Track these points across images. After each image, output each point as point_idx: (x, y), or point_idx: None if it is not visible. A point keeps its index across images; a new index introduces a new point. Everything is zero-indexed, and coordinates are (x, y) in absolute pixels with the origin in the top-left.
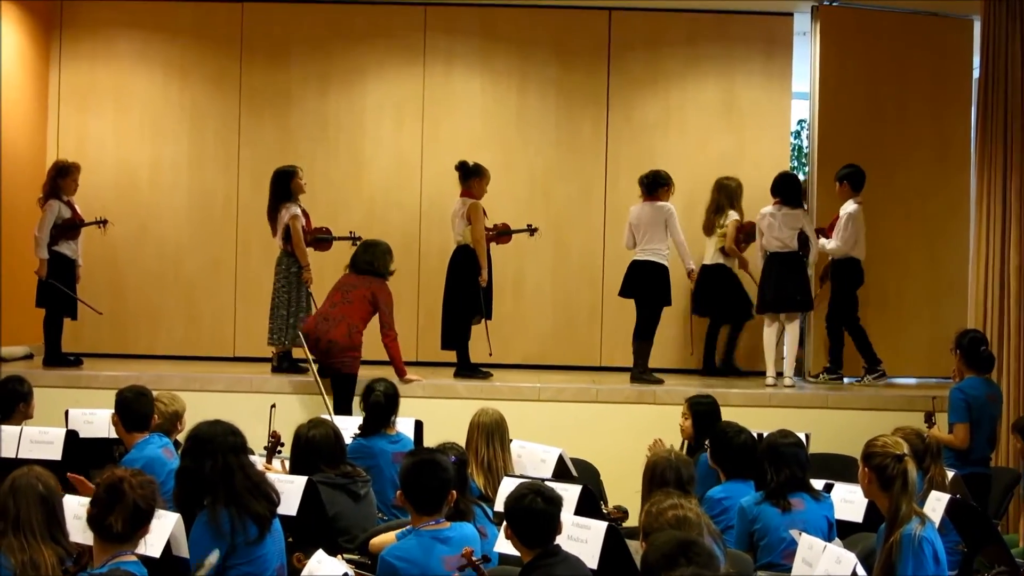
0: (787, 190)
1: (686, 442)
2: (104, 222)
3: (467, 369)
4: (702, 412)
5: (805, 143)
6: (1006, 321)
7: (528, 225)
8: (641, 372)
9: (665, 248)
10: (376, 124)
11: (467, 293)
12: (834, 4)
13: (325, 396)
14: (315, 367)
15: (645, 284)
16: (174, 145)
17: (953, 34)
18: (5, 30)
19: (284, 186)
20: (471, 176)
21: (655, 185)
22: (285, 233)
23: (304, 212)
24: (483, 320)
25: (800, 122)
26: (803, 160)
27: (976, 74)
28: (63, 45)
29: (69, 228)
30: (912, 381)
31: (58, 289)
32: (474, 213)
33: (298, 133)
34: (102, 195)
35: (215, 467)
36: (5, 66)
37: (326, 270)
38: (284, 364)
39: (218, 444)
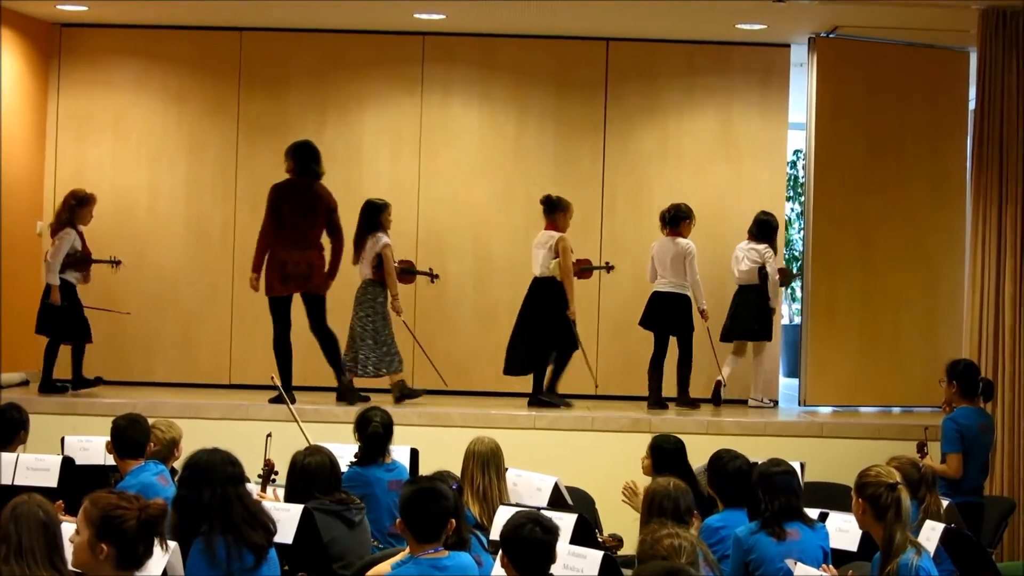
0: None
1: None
2: (117, 262)
3: (544, 397)
4: (663, 452)
5: (801, 173)
6: (1001, 351)
7: (606, 263)
8: (685, 399)
9: (687, 282)
10: (374, 153)
11: (554, 325)
12: (831, 36)
13: (301, 425)
14: (288, 397)
15: (667, 315)
16: (172, 173)
17: (949, 66)
18: (4, 57)
19: (374, 218)
20: (556, 210)
21: (676, 220)
22: (377, 262)
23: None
24: (580, 350)
25: (796, 152)
26: (799, 190)
27: (972, 106)
28: (61, 72)
29: (81, 261)
30: (906, 410)
31: (65, 315)
32: (564, 247)
33: None
34: (99, 222)
35: (213, 497)
36: (4, 93)
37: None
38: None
39: (216, 474)
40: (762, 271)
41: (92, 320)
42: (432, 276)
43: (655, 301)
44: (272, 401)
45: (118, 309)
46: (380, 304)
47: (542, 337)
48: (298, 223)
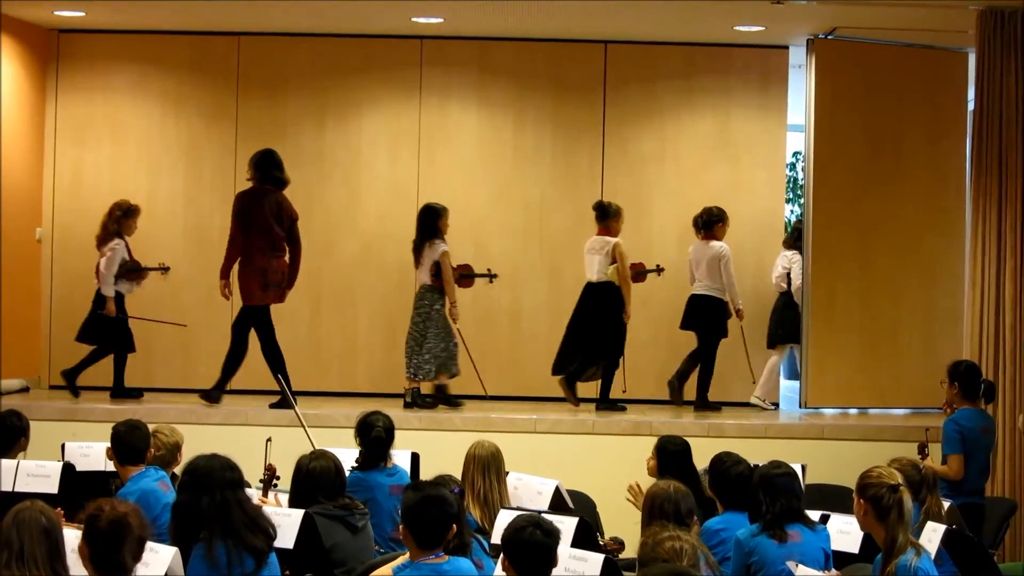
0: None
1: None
2: (166, 269)
3: (607, 403)
4: (669, 453)
5: (800, 175)
6: (1001, 351)
7: (657, 266)
8: (704, 402)
9: (722, 285)
10: (372, 157)
11: (609, 329)
12: (829, 37)
13: (307, 429)
14: (295, 402)
15: (702, 317)
16: (170, 178)
17: (948, 67)
18: (3, 63)
19: (433, 223)
20: (609, 216)
21: (710, 223)
22: (436, 269)
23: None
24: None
25: (795, 154)
26: (798, 192)
27: (971, 106)
28: (60, 78)
29: (132, 270)
30: (907, 412)
31: (113, 326)
32: (620, 252)
33: (294, 166)
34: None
35: (212, 502)
36: (3, 99)
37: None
38: (431, 398)
39: (216, 479)
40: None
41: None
42: (491, 277)
43: (692, 304)
44: (273, 406)
45: (174, 321)
46: (437, 310)
47: (596, 340)
48: (270, 230)
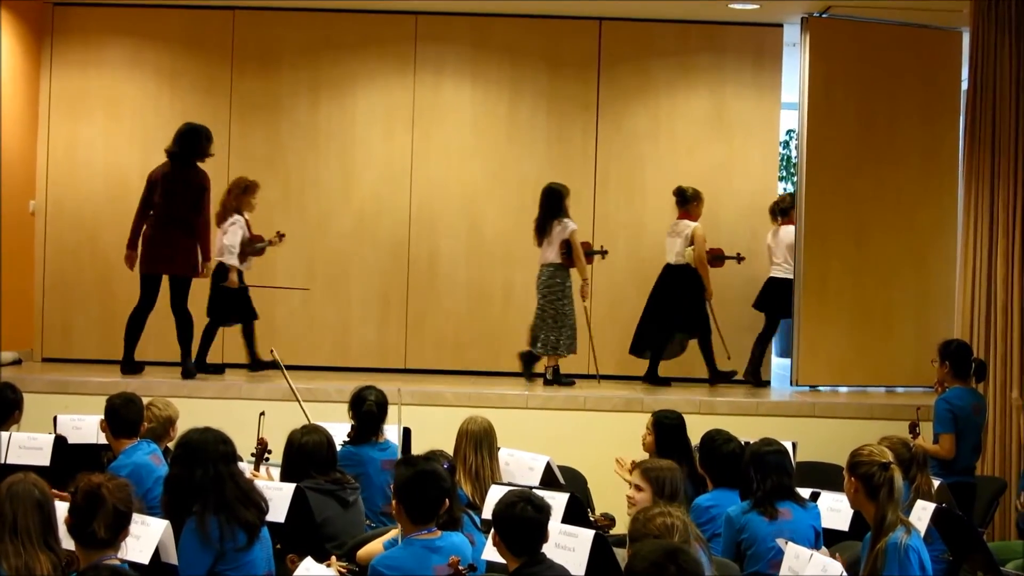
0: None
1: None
2: (282, 236)
3: (656, 379)
4: (666, 427)
5: (794, 153)
6: (992, 331)
7: (737, 253)
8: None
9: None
10: (366, 133)
11: (688, 310)
12: (823, 16)
13: (302, 403)
14: (287, 375)
15: (781, 298)
16: (164, 152)
17: (942, 46)
18: None
19: (558, 202)
20: (690, 201)
21: (786, 211)
22: (566, 248)
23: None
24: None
25: (789, 132)
26: (791, 170)
27: (964, 85)
28: (54, 51)
29: (249, 246)
30: (898, 390)
31: (236, 298)
32: (699, 236)
33: (288, 141)
34: (91, 201)
35: (205, 475)
36: None
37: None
38: (559, 377)
39: (209, 453)
40: None
41: (84, 299)
42: (603, 253)
43: (770, 286)
44: (547, 383)
45: (297, 286)
46: (568, 288)
47: (672, 321)
48: (169, 204)
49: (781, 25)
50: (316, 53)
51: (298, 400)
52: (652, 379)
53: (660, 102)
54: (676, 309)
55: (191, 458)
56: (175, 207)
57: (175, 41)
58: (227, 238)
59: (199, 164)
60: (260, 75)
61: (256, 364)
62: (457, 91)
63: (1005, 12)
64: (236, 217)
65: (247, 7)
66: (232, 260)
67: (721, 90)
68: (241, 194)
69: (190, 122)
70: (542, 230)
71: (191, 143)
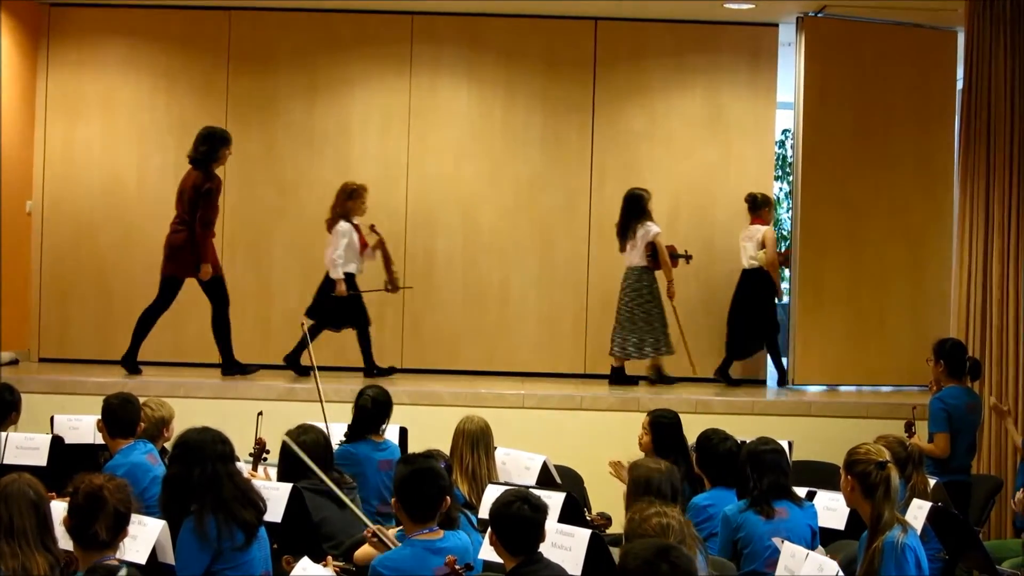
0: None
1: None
2: (372, 228)
3: (729, 379)
4: (663, 427)
5: (789, 153)
6: (988, 330)
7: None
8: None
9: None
10: (362, 133)
11: (767, 312)
12: (819, 15)
13: (323, 400)
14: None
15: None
16: (160, 152)
17: (937, 45)
18: None
19: (641, 206)
20: (761, 206)
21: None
22: (651, 250)
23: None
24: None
25: (784, 132)
26: (787, 170)
27: (960, 85)
28: (50, 51)
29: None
30: (894, 389)
31: (347, 305)
32: (770, 239)
33: (284, 141)
34: (89, 202)
35: (204, 475)
36: None
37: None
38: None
39: (207, 452)
40: None
41: (81, 299)
42: (687, 257)
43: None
44: (612, 383)
45: (403, 286)
46: (656, 290)
47: (759, 324)
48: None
49: (776, 25)
50: (312, 54)
51: (320, 400)
52: (726, 377)
53: (656, 102)
54: (758, 311)
55: (189, 457)
56: (190, 211)
57: (171, 41)
58: (330, 249)
59: (215, 167)
60: (256, 75)
61: (372, 369)
62: (453, 91)
63: (1000, 12)
64: (343, 225)
65: (243, 8)
66: (336, 273)
67: (717, 90)
68: (347, 200)
69: (208, 126)
70: (624, 234)
71: (204, 147)
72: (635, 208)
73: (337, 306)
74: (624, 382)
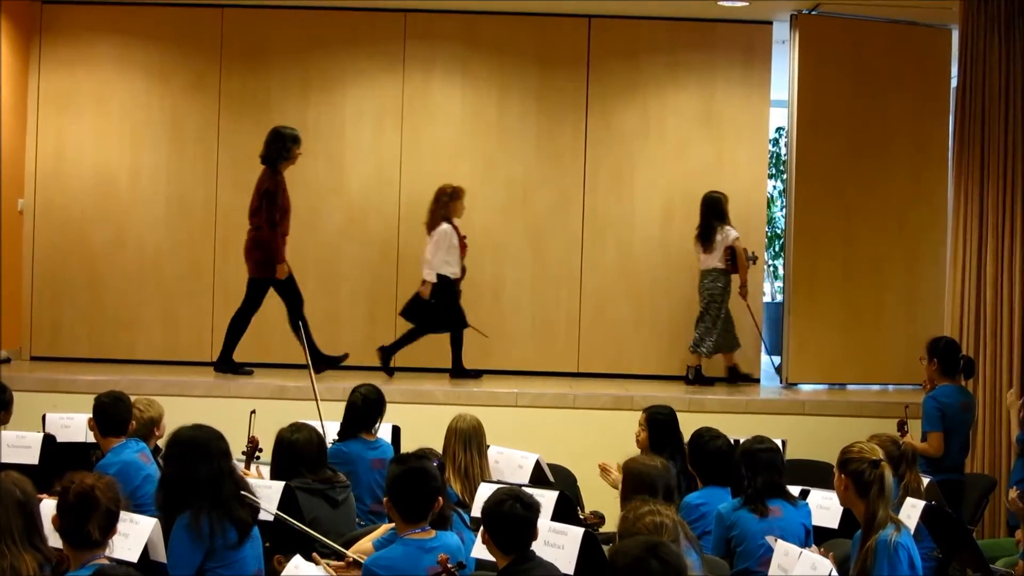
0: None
1: (643, 454)
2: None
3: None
4: (659, 423)
5: (783, 151)
6: (982, 329)
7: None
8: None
9: None
10: (356, 131)
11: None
12: (813, 13)
13: (317, 397)
14: (311, 366)
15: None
16: (153, 150)
17: (931, 43)
18: None
19: (721, 210)
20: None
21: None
22: (730, 254)
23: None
24: None
25: (778, 130)
26: (781, 168)
27: (954, 83)
28: (43, 49)
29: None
30: (888, 388)
31: (441, 308)
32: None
33: None
34: (80, 200)
35: (210, 472)
36: None
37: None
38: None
39: (211, 449)
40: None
41: (74, 297)
42: (754, 259)
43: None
44: (688, 383)
45: (480, 331)
46: (729, 291)
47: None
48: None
49: (771, 22)
50: (305, 51)
51: (316, 398)
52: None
53: (649, 100)
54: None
55: (194, 455)
56: (256, 212)
57: (164, 39)
58: (430, 250)
59: (283, 166)
60: (249, 73)
61: (460, 372)
62: (446, 89)
63: (994, 10)
64: (444, 227)
65: (236, 5)
66: (429, 275)
67: (711, 88)
68: (449, 201)
69: (277, 125)
70: (706, 238)
71: (268, 147)
72: (715, 212)
73: (435, 308)
74: (703, 382)
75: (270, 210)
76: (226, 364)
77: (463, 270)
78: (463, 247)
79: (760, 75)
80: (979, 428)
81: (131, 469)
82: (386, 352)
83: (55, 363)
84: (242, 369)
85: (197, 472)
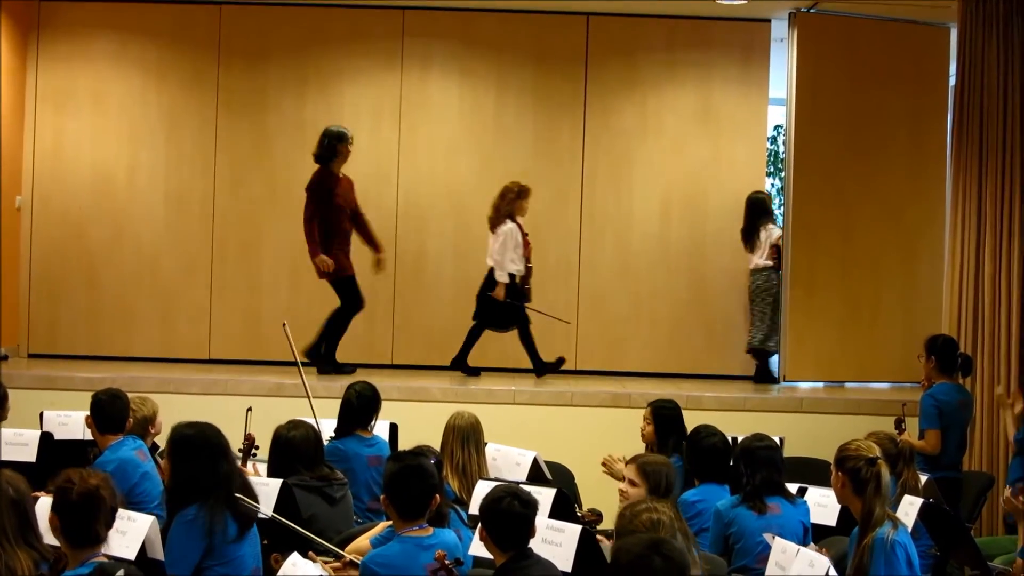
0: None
1: (648, 447)
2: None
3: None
4: (665, 417)
5: (781, 149)
6: (980, 327)
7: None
8: None
9: None
10: (353, 128)
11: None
12: (812, 11)
13: (309, 393)
14: (299, 360)
15: None
16: (151, 147)
17: (929, 41)
18: None
19: (766, 208)
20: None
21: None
22: (775, 252)
23: None
24: None
25: (777, 128)
26: (779, 166)
27: (952, 81)
28: (40, 46)
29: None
30: (885, 386)
31: (506, 306)
32: None
33: (275, 136)
34: (78, 197)
35: (228, 469)
36: None
37: None
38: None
39: (222, 447)
40: None
41: (71, 295)
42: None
43: None
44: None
45: (559, 317)
46: (774, 287)
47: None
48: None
49: (769, 20)
50: (303, 48)
51: (308, 395)
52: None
53: (647, 98)
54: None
55: (211, 453)
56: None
57: (162, 36)
58: (496, 248)
59: (334, 164)
60: (247, 70)
61: (541, 367)
62: (444, 86)
63: (992, 8)
64: (508, 225)
65: (234, 2)
66: (502, 276)
67: (709, 86)
68: (515, 199)
69: (329, 125)
70: (750, 237)
71: (318, 146)
72: (759, 211)
73: (500, 306)
74: (769, 380)
75: (316, 207)
76: (329, 364)
77: (528, 270)
78: (527, 245)
79: (758, 73)
80: (977, 426)
81: (129, 467)
82: (458, 362)
83: (52, 360)
84: (345, 368)
85: (216, 469)
